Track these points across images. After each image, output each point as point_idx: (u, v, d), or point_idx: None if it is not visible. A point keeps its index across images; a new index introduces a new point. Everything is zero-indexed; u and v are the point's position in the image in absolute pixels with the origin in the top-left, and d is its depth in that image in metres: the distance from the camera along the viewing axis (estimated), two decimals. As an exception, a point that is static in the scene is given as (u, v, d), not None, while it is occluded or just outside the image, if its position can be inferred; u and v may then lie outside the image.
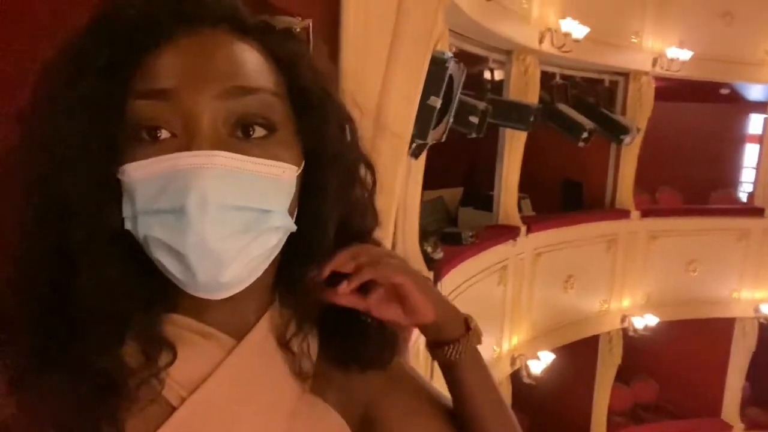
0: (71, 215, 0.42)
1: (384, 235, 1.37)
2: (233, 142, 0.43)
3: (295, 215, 0.48)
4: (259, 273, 0.46)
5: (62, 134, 0.42)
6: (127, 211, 0.43)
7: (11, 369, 0.42)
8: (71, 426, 0.42)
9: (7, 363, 0.42)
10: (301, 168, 0.48)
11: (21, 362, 0.42)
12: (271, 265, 0.47)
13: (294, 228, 0.47)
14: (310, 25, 0.52)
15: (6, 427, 0.41)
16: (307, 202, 0.49)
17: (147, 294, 0.45)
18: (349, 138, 0.52)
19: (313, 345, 0.54)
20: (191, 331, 0.47)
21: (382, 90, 1.64)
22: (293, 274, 0.51)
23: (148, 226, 0.42)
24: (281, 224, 0.45)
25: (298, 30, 0.51)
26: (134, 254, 0.44)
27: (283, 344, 0.51)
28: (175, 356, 0.45)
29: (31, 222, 0.43)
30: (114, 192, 0.43)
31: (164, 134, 0.42)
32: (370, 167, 0.55)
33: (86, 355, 0.42)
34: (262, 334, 0.50)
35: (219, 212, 0.41)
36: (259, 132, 0.44)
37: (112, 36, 0.42)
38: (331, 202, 0.50)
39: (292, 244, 0.48)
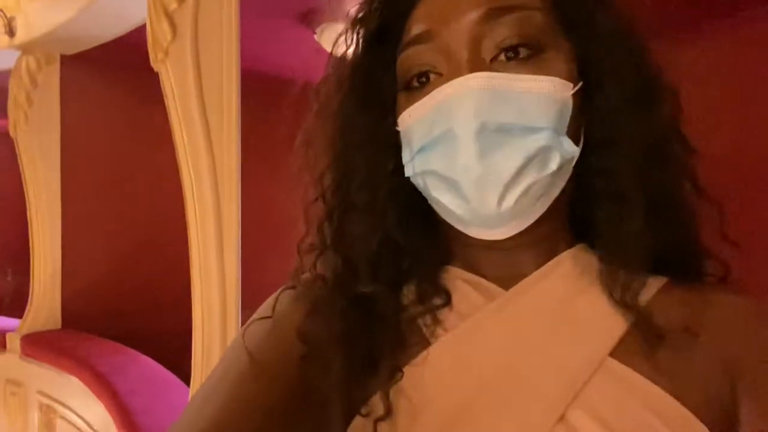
0: (356, 172, 0.47)
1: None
2: (498, 66, 0.42)
3: (581, 144, 0.45)
4: (542, 208, 0.44)
5: (344, 99, 0.47)
6: (406, 156, 0.46)
7: (312, 298, 0.47)
8: (352, 344, 0.44)
9: (312, 292, 0.48)
10: (578, 87, 0.44)
11: (319, 294, 0.48)
12: (557, 209, 0.45)
13: (573, 151, 0.43)
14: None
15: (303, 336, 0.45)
16: (594, 129, 0.45)
17: (425, 247, 0.48)
18: (637, 50, 0.45)
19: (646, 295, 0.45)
20: (462, 280, 0.47)
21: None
22: (608, 220, 0.45)
23: (423, 161, 0.44)
24: (554, 144, 0.42)
25: None
26: (416, 208, 0.47)
27: (577, 299, 0.45)
28: (448, 300, 0.46)
29: (323, 186, 0.49)
30: (395, 146, 0.47)
31: (433, 77, 0.44)
32: (670, 88, 0.46)
33: (359, 284, 0.46)
34: (536, 284, 0.45)
35: (486, 131, 0.40)
36: (524, 53, 0.42)
37: (378, 4, 0.47)
38: (623, 123, 0.44)
39: (593, 186, 0.45)
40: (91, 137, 2.55)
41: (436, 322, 0.46)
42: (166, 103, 1.28)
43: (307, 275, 0.50)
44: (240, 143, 1.27)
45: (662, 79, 0.47)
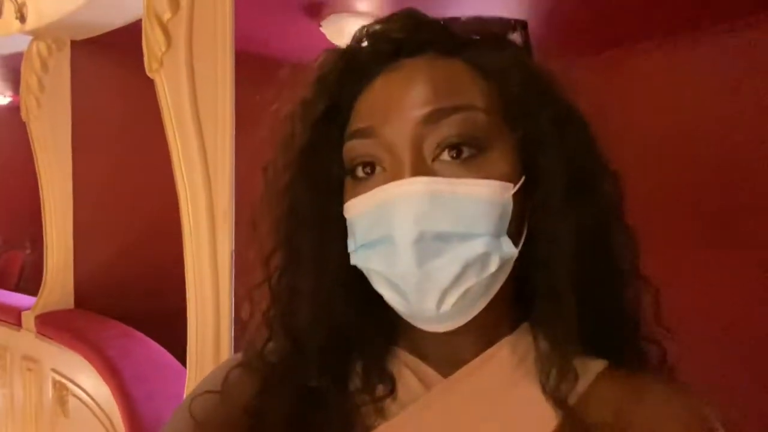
0: (302, 254, 0.47)
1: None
2: (440, 166, 0.43)
3: (522, 239, 0.45)
4: (483, 304, 0.44)
5: (291, 182, 0.48)
6: (351, 245, 0.46)
7: (262, 376, 0.49)
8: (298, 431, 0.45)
9: (262, 369, 0.49)
10: (520, 184, 0.44)
11: (268, 373, 0.48)
12: (500, 298, 0.45)
13: (512, 252, 0.43)
14: (527, 25, 0.50)
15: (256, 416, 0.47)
16: (535, 223, 0.45)
17: (372, 328, 0.48)
18: (579, 143, 0.46)
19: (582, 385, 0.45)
20: (406, 366, 0.48)
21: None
22: (544, 313, 0.46)
23: (366, 258, 0.44)
24: (492, 249, 0.42)
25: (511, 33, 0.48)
26: (363, 289, 0.46)
27: (519, 386, 0.45)
28: (393, 389, 0.46)
29: (269, 269, 0.50)
30: (343, 229, 0.47)
31: (377, 169, 0.45)
32: (612, 176, 0.48)
33: (306, 374, 0.47)
34: (473, 373, 0.46)
35: (424, 240, 0.41)
36: (467, 152, 0.43)
37: (326, 87, 0.47)
38: (560, 218, 0.44)
39: (532, 276, 0.46)
40: (101, 122, 2.58)
41: (378, 411, 0.46)
42: (161, 112, 1.29)
43: (257, 349, 0.51)
44: (234, 155, 1.28)
45: (606, 165, 0.48)
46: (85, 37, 2.44)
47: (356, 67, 0.47)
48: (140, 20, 2.29)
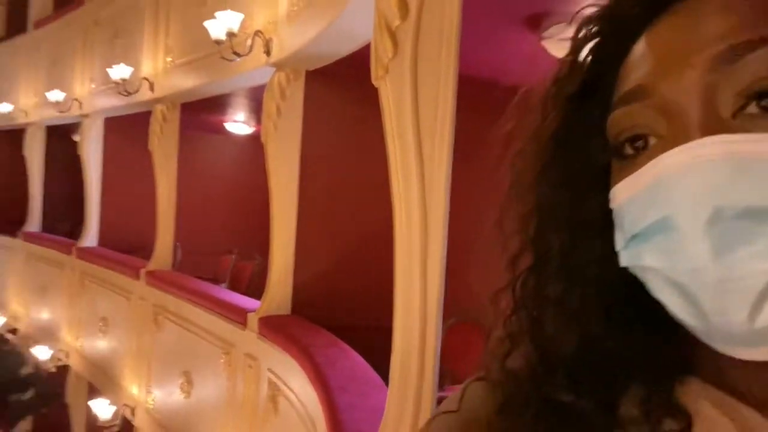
0: (552, 255, 0.39)
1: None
2: (743, 122, 0.32)
3: None
4: None
5: (541, 172, 0.40)
6: (619, 242, 0.36)
7: (505, 390, 0.40)
8: None
9: (505, 384, 0.41)
10: None
11: (512, 387, 0.40)
12: None
13: None
14: None
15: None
16: None
17: (651, 349, 0.38)
18: None
19: None
20: (708, 402, 0.36)
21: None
22: None
23: (638, 254, 0.35)
24: None
25: None
26: (639, 299, 0.37)
27: None
28: (687, 427, 0.35)
29: (514, 272, 0.41)
30: (605, 227, 0.37)
31: (651, 140, 0.34)
32: None
33: (556, 387, 0.38)
34: None
35: (722, 221, 0.30)
36: None
37: (581, 56, 0.38)
38: None
39: None
40: (326, 144, 2.80)
41: None
42: (382, 118, 1.30)
43: (498, 360, 0.42)
44: (450, 165, 1.23)
45: None
46: (316, 66, 2.68)
47: (619, 25, 0.37)
48: (361, 50, 2.44)
